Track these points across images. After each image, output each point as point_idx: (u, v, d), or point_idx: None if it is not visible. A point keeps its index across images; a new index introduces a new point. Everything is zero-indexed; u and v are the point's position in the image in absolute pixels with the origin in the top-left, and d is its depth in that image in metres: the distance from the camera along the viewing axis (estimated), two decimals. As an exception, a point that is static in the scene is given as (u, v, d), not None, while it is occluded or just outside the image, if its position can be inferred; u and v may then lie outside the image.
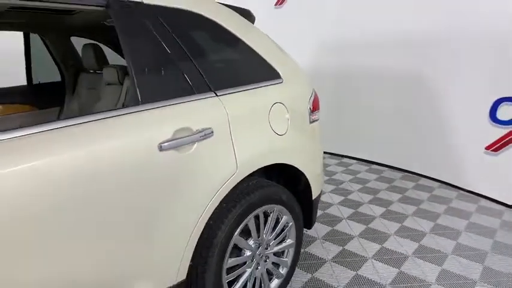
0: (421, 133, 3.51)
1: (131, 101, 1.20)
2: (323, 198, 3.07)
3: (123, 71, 1.89)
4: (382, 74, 3.70)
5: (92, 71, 2.32)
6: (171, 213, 1.24)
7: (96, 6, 1.20)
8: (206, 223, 1.37)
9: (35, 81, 2.42)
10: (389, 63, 3.64)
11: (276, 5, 4.39)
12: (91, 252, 1.07)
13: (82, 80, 2.35)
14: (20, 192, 0.91)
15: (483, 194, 3.08)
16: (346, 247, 2.33)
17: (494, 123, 2.92)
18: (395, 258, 2.20)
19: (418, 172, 3.63)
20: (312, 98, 1.92)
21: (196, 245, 1.36)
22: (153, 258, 1.23)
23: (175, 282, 1.32)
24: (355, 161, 4.15)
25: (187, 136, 1.25)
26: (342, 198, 3.11)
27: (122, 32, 1.22)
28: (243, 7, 1.81)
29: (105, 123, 1.10)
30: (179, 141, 1.22)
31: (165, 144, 1.19)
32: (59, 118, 2.41)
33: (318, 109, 1.97)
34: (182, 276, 1.34)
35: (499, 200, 2.96)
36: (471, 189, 3.16)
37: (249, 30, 1.71)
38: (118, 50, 2.45)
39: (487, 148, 2.99)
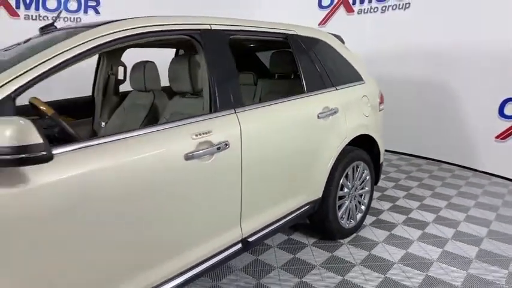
0: (441, 127, 4.42)
1: (299, 91, 2.14)
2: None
3: (256, 76, 2.85)
4: (410, 80, 4.63)
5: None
6: (320, 157, 2.18)
7: (282, 38, 2.15)
8: (331, 167, 2.30)
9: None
10: (416, 72, 4.56)
11: (319, 24, 5.36)
12: (284, 177, 2.00)
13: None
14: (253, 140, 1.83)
15: (494, 173, 3.97)
16: (396, 203, 3.24)
17: (502, 118, 3.84)
18: (432, 209, 3.09)
19: (440, 159, 4.53)
20: (379, 94, 2.86)
21: (327, 179, 2.28)
22: (310, 182, 2.17)
23: (316, 198, 2.25)
24: (386, 152, 5.06)
25: (328, 111, 2.19)
26: (384, 176, 4.01)
27: (294, 51, 2.17)
28: (337, 34, 2.76)
29: (293, 102, 2.04)
30: (325, 114, 2.16)
31: (320, 114, 2.13)
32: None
33: (383, 102, 2.90)
34: (319, 195, 2.27)
35: (507, 176, 3.86)
36: (484, 170, 4.06)
37: (344, 48, 2.66)
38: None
39: (497, 137, 3.90)
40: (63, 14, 5.10)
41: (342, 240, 2.58)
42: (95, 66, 2.87)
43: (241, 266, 2.28)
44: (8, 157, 0.91)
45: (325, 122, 2.18)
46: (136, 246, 1.36)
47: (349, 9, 5.04)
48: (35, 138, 0.93)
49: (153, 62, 2.42)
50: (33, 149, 0.93)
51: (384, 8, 4.74)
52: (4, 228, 1.02)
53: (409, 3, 4.50)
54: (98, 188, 1.20)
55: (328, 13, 5.23)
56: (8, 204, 1.02)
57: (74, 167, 1.15)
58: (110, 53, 2.64)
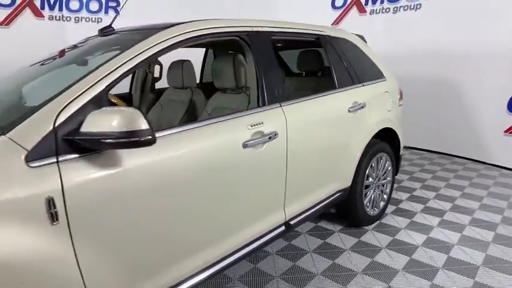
0: (452, 123, 4.58)
1: (331, 87, 2.32)
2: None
3: (284, 74, 3.02)
4: (421, 78, 4.79)
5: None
6: (350, 148, 2.36)
7: (314, 38, 2.32)
8: (359, 158, 2.47)
9: (204, 81, 3.55)
10: (427, 70, 4.73)
11: (332, 24, 5.51)
12: (321, 165, 2.18)
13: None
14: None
15: (504, 165, 4.15)
16: (413, 193, 3.41)
17: (511, 113, 4.01)
18: (448, 199, 3.27)
19: (451, 153, 4.70)
20: (399, 91, 3.03)
21: (355, 169, 2.46)
22: (341, 171, 2.35)
23: (346, 186, 2.43)
24: (397, 147, 5.23)
25: (357, 106, 2.36)
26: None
27: (326, 50, 2.35)
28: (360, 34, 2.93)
29: (328, 97, 2.22)
30: (354, 108, 2.34)
31: (350, 108, 2.30)
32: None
33: (402, 98, 3.08)
34: (349, 183, 2.45)
35: (516, 169, 4.04)
36: (494, 163, 4.23)
37: (367, 47, 2.83)
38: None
39: (506, 131, 4.07)
40: (84, 14, 5.28)
41: (366, 227, 2.76)
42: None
43: (276, 250, 2.46)
44: (121, 140, 1.09)
45: (355, 115, 2.36)
46: (207, 222, 1.55)
47: (362, 10, 5.20)
48: (143, 124, 1.11)
49: (189, 60, 2.59)
50: (141, 134, 1.10)
51: (395, 9, 4.90)
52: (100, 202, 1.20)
53: (420, 4, 4.66)
54: (180, 169, 1.38)
55: (341, 13, 5.40)
56: (107, 182, 1.20)
57: (159, 151, 1.33)
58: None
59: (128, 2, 5.49)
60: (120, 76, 1.33)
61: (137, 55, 1.39)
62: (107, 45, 1.72)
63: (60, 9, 5.06)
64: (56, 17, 5.04)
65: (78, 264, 1.14)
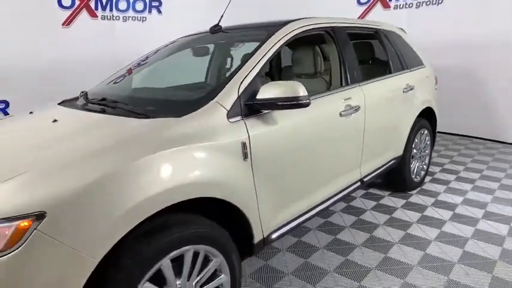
0: (472, 107, 5.06)
1: (386, 72, 2.80)
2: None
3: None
4: (443, 67, 5.24)
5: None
6: (403, 122, 2.85)
7: (372, 31, 2.81)
8: (409, 131, 2.96)
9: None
10: (449, 59, 5.19)
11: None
12: (384, 135, 2.67)
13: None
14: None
15: (521, 144, 4.65)
16: (444, 167, 3.91)
17: (527, 97, 4.50)
18: (476, 170, 3.77)
19: (471, 135, 5.19)
20: (434, 77, 3.51)
21: (406, 140, 2.95)
22: (397, 142, 2.85)
23: (399, 154, 2.92)
24: (420, 131, 5.72)
25: (409, 87, 2.86)
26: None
27: (380, 41, 2.84)
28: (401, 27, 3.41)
29: (389, 80, 2.71)
30: (407, 89, 2.83)
31: (404, 89, 2.79)
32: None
33: (437, 83, 3.56)
34: (401, 152, 2.94)
35: (532, 146, 4.53)
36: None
37: (408, 38, 3.32)
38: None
39: (522, 113, 4.57)
40: (131, 13, 5.76)
41: (410, 192, 3.26)
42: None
43: (340, 209, 2.96)
44: (290, 103, 1.59)
45: (407, 95, 2.85)
46: (322, 168, 2.08)
47: (386, 5, 5.66)
48: (303, 92, 1.60)
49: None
50: (302, 98, 1.60)
51: (418, 4, 5.36)
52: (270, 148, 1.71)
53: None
54: (310, 127, 1.91)
55: (366, 9, 5.86)
56: (269, 134, 1.69)
57: (299, 114, 1.82)
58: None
59: (167, 6, 5.96)
60: (267, 60, 1.82)
61: (274, 44, 1.88)
62: (241, 38, 2.25)
63: (111, 9, 5.53)
64: (107, 16, 5.52)
65: (254, 183, 1.64)
